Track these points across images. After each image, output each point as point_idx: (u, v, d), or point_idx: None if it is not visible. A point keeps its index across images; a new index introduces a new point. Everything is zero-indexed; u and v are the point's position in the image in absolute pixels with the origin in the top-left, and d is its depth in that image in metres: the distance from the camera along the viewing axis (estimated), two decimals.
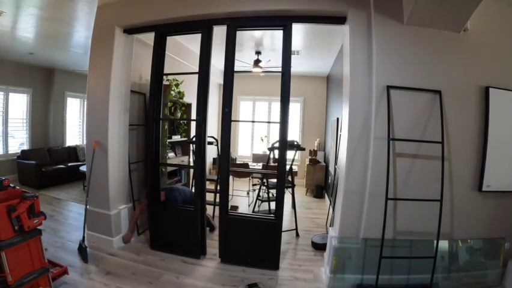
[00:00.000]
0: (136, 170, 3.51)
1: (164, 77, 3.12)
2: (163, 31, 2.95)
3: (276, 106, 6.90)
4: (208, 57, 2.80)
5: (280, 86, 2.62)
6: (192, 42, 4.51)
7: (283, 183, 2.72)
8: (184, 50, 4.67)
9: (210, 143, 4.21)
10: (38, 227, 2.00)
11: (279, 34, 2.72)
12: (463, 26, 2.26)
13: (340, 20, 2.50)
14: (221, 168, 2.83)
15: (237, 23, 2.68)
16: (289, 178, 4.21)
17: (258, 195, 4.24)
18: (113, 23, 2.93)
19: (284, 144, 2.63)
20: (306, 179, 5.90)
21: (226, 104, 2.70)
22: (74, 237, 3.16)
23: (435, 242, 2.27)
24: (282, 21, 2.61)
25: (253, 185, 5.28)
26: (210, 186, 4.78)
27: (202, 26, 2.78)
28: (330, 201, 3.95)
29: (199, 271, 2.67)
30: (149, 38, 3.15)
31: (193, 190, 3.33)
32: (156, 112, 3.01)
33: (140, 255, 2.90)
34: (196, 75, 2.83)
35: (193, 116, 4.99)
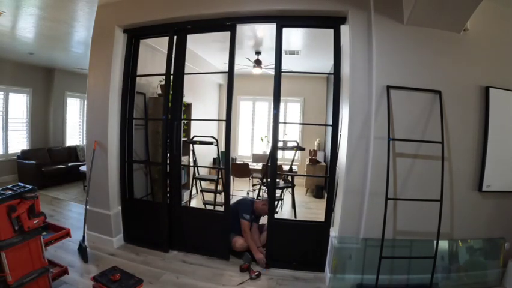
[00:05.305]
0: (137, 170, 3.51)
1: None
2: (177, 30, 2.91)
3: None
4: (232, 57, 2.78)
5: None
6: (190, 42, 4.48)
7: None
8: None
9: (210, 143, 4.21)
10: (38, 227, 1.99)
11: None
12: (463, 26, 2.26)
13: (340, 20, 2.50)
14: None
15: (238, 21, 2.73)
16: (289, 178, 4.22)
17: (258, 195, 4.24)
18: (113, 23, 2.93)
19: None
20: (306, 178, 5.89)
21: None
22: (74, 237, 3.15)
23: (435, 242, 2.27)
24: (272, 20, 2.62)
25: (253, 185, 5.27)
26: (210, 186, 4.79)
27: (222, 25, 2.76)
28: None
29: (201, 271, 2.67)
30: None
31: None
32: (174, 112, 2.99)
33: (140, 255, 2.90)
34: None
35: (193, 116, 5.00)
